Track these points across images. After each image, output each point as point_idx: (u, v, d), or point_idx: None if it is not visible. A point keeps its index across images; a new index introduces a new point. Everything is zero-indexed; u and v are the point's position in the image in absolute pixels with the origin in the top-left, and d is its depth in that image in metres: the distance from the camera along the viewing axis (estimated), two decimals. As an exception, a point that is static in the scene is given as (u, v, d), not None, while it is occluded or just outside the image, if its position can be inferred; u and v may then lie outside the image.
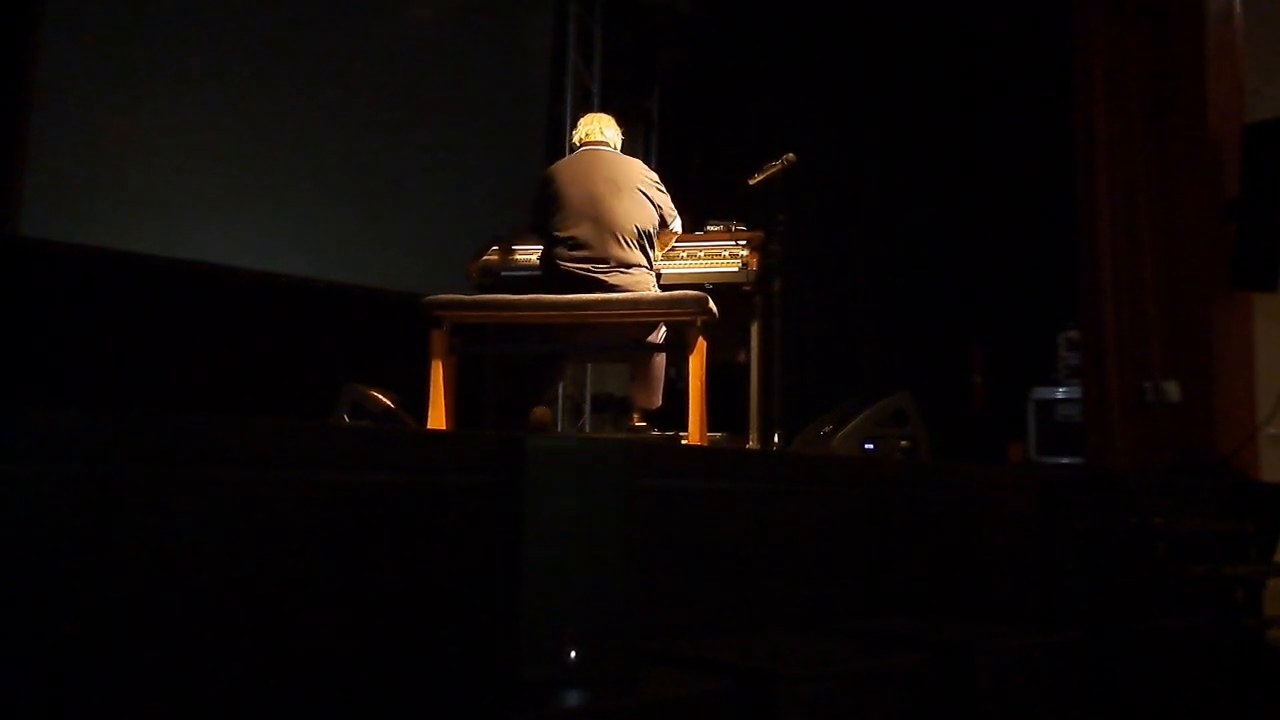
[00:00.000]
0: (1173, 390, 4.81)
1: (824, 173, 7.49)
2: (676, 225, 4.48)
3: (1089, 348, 5.44)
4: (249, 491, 1.88)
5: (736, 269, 4.59)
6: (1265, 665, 3.76)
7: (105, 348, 5.39)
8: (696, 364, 3.72)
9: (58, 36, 5.49)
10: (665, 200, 4.35)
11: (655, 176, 4.40)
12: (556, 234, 4.13)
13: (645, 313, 3.97)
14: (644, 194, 4.24)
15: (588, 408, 7.26)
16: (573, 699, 1.76)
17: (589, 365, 6.84)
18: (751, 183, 5.13)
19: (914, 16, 7.47)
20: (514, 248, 4.85)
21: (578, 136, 4.48)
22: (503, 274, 4.79)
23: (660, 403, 4.29)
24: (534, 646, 1.81)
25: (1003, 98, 7.27)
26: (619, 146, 4.48)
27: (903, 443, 4.43)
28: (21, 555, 1.62)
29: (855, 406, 4.63)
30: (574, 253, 4.08)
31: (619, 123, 4.63)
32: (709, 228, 4.86)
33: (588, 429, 7.02)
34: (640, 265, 4.14)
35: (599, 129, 4.44)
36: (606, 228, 4.09)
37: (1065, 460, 5.73)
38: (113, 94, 5.70)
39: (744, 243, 4.69)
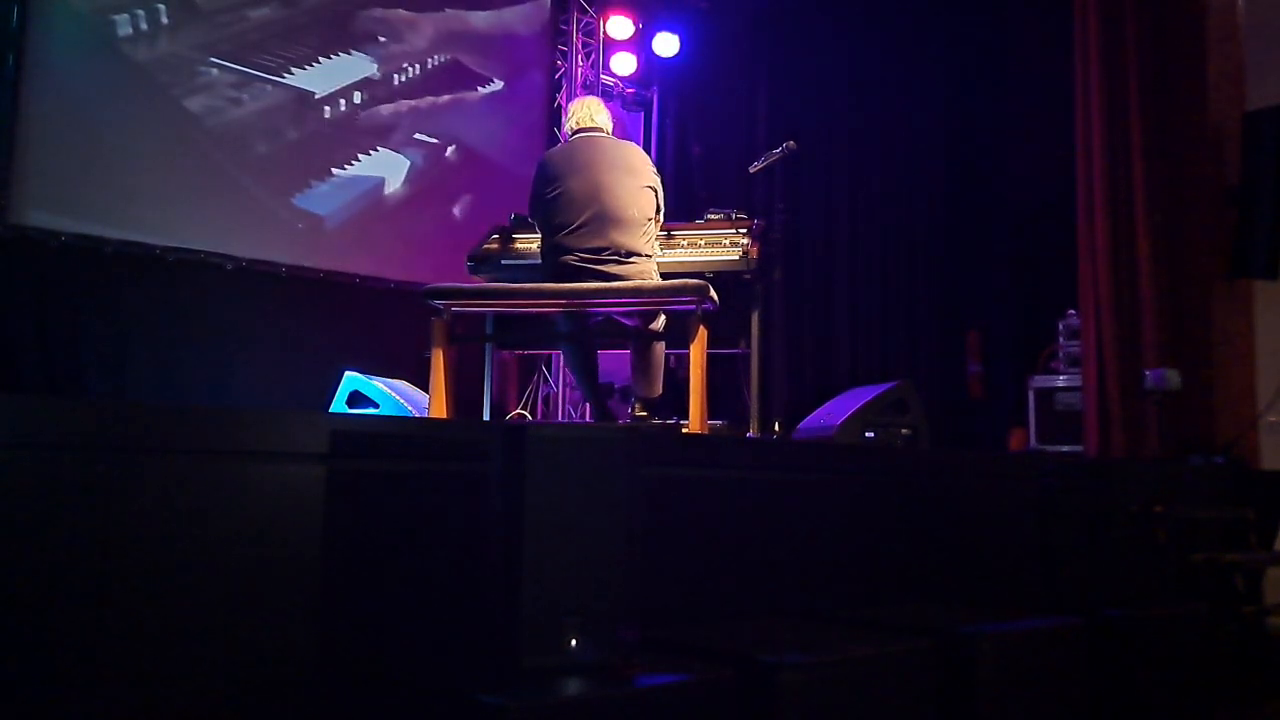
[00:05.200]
0: (1173, 379, 4.80)
1: (824, 161, 7.48)
2: (663, 214, 4.44)
3: (1089, 336, 5.44)
4: (248, 481, 1.88)
5: (737, 257, 4.59)
6: (1264, 652, 3.77)
7: (101, 337, 5.38)
8: (697, 352, 3.72)
9: (48, 21, 5.48)
10: (660, 187, 4.32)
11: (651, 163, 4.37)
12: (558, 223, 4.11)
13: (646, 301, 3.97)
14: (644, 181, 4.22)
15: (588, 397, 7.26)
16: (573, 686, 1.76)
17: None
18: (752, 171, 5.14)
19: (914, 6, 7.45)
20: (514, 237, 4.85)
21: (569, 124, 4.45)
22: (503, 263, 4.79)
23: (661, 391, 4.29)
24: (535, 634, 1.81)
25: (1003, 85, 7.26)
26: (611, 129, 4.45)
27: (903, 431, 4.43)
28: (17, 543, 1.62)
29: (856, 395, 4.62)
30: (575, 242, 4.06)
31: (614, 111, 4.60)
32: (709, 216, 4.86)
33: (587, 418, 7.01)
34: (641, 253, 4.13)
35: (589, 115, 4.40)
36: (610, 215, 4.07)
37: (1066, 448, 5.73)
38: (106, 81, 5.68)
39: (744, 231, 4.68)
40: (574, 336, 4.34)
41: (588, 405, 4.61)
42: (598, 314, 4.22)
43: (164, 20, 5.88)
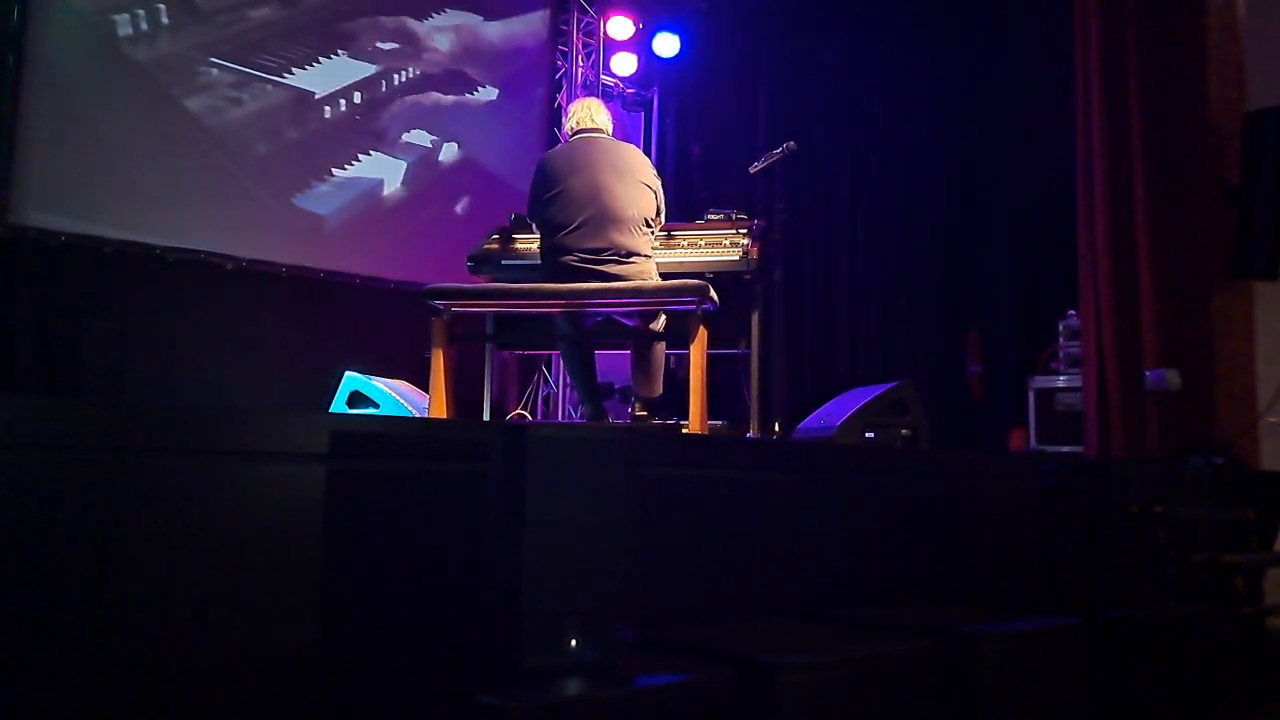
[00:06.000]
0: (1173, 379, 4.80)
1: (824, 161, 7.47)
2: (663, 215, 4.44)
3: (1089, 336, 5.43)
4: (248, 481, 1.88)
5: (737, 258, 4.59)
6: (1264, 652, 3.77)
7: (101, 337, 5.37)
8: (697, 353, 3.72)
9: (48, 21, 5.48)
10: (660, 188, 4.32)
11: (651, 164, 4.37)
12: (558, 223, 4.11)
13: (646, 301, 3.97)
14: (643, 182, 4.22)
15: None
16: (573, 686, 1.76)
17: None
18: (753, 171, 5.14)
19: (914, 5, 7.45)
20: (514, 237, 4.85)
21: (569, 125, 4.45)
22: (503, 263, 4.80)
23: (661, 391, 4.29)
24: (535, 634, 1.81)
25: (1003, 85, 7.26)
26: (611, 130, 4.46)
27: (903, 431, 4.43)
28: (17, 543, 1.62)
29: (856, 395, 4.62)
30: (575, 243, 4.06)
31: (614, 112, 4.60)
32: (709, 216, 4.86)
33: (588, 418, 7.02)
34: (641, 253, 4.13)
35: (590, 115, 4.41)
36: (609, 216, 4.07)
37: (1066, 448, 5.73)
38: (106, 81, 5.67)
39: (744, 231, 4.69)
40: (572, 337, 4.35)
41: (586, 406, 4.60)
42: (597, 314, 4.22)
43: (164, 20, 5.88)
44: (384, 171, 6.78)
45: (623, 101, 8.05)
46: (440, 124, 7.09)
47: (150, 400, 5.19)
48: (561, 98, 7.69)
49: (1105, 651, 2.78)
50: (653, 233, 4.30)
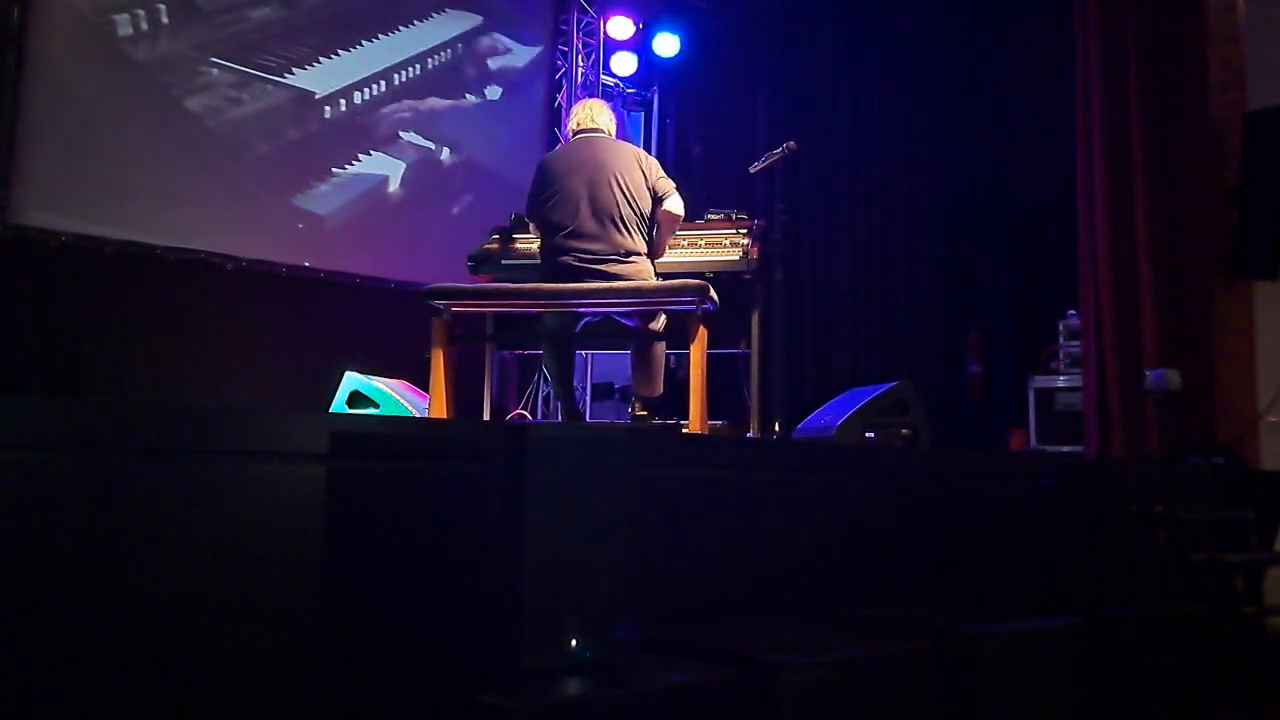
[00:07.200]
0: (1173, 379, 4.80)
1: (824, 161, 7.47)
2: (678, 205, 4.24)
3: (1089, 336, 5.43)
4: (248, 481, 1.88)
5: (737, 257, 4.59)
6: (1264, 652, 3.77)
7: (101, 337, 5.37)
8: (697, 353, 3.72)
9: (49, 20, 5.48)
10: (663, 183, 4.24)
11: (652, 160, 4.33)
12: (556, 224, 4.11)
13: (646, 301, 3.97)
14: (643, 180, 4.21)
15: (588, 397, 7.27)
16: (573, 687, 1.76)
17: (590, 354, 6.84)
18: (753, 171, 5.14)
19: (914, 6, 7.45)
20: (514, 237, 4.85)
21: (571, 125, 4.46)
22: (503, 263, 4.80)
23: (661, 391, 4.29)
24: (535, 634, 1.81)
25: (1003, 87, 7.26)
26: (614, 131, 4.45)
27: (903, 431, 4.43)
28: (16, 543, 1.62)
29: (856, 395, 4.62)
30: (574, 243, 4.06)
31: (615, 110, 4.59)
32: (709, 216, 4.86)
33: (589, 418, 7.01)
34: (640, 253, 4.13)
35: (591, 116, 4.40)
36: (606, 216, 4.07)
37: (1066, 448, 5.73)
38: (106, 81, 5.67)
39: (744, 231, 4.68)
40: (558, 336, 4.34)
41: (561, 403, 4.59)
42: (594, 314, 4.23)
43: (164, 20, 5.88)
44: (384, 171, 6.78)
45: (623, 101, 8.05)
46: (440, 124, 7.09)
47: (150, 400, 5.19)
48: (561, 97, 7.69)
49: (1105, 651, 2.78)
50: (657, 230, 4.28)
